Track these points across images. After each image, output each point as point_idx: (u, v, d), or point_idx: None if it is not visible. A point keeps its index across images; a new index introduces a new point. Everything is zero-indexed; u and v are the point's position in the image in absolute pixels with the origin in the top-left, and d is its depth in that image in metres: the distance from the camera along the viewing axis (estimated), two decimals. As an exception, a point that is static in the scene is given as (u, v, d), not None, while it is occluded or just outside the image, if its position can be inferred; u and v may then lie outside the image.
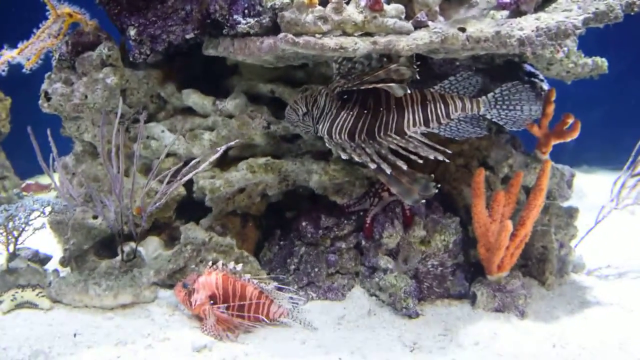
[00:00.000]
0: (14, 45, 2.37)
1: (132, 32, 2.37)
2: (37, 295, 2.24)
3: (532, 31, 2.00)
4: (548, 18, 2.12)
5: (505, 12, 2.40)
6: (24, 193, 4.02)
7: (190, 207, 2.59)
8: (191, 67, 2.67)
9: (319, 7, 2.07)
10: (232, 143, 2.29)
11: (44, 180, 4.37)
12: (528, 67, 2.74)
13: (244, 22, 2.18)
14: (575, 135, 2.49)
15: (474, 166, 2.50)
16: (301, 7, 2.06)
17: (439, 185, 2.13)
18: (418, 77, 2.10)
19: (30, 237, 2.52)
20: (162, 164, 2.46)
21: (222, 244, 2.36)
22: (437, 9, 2.45)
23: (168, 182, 2.27)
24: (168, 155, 2.47)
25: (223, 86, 2.65)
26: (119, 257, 2.36)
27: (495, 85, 2.62)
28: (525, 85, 2.23)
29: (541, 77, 2.73)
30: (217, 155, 2.24)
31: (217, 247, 2.36)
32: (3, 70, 2.34)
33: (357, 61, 2.15)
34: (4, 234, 2.44)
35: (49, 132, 2.15)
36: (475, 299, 2.29)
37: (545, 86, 2.70)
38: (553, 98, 2.51)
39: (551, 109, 2.51)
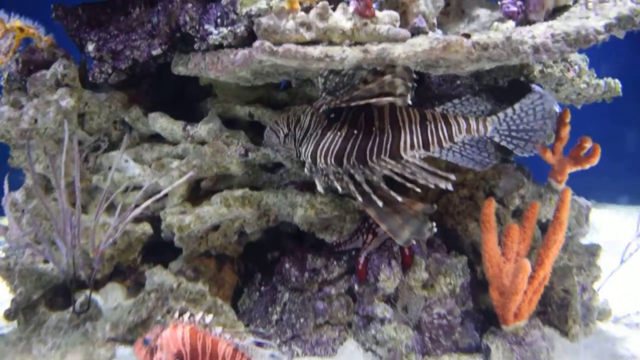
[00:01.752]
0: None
1: (90, 47, 2.08)
2: (-29, 355, 1.88)
3: (547, 38, 1.73)
4: (563, 25, 1.84)
5: (512, 23, 2.14)
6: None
7: (160, 249, 2.27)
8: (161, 89, 2.38)
9: (301, 13, 1.79)
10: (191, 173, 1.97)
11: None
12: (536, 88, 2.47)
13: (215, 32, 1.89)
14: (595, 161, 2.19)
15: (480, 198, 2.19)
16: (280, 12, 1.78)
17: (438, 225, 1.81)
18: (415, 84, 1.81)
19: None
20: (126, 199, 2.14)
21: (192, 291, 2.02)
22: (434, 21, 2.18)
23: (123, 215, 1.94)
24: (133, 188, 2.15)
25: (196, 110, 2.36)
26: (71, 309, 2.01)
27: (501, 107, 2.35)
28: (539, 99, 1.94)
29: (552, 98, 2.46)
30: (176, 184, 1.92)
31: (187, 294, 2.01)
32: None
33: (345, 74, 1.86)
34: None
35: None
36: (489, 353, 1.93)
37: (557, 108, 2.42)
38: (568, 119, 2.23)
39: (566, 131, 2.23)
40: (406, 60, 1.66)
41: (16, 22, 2.15)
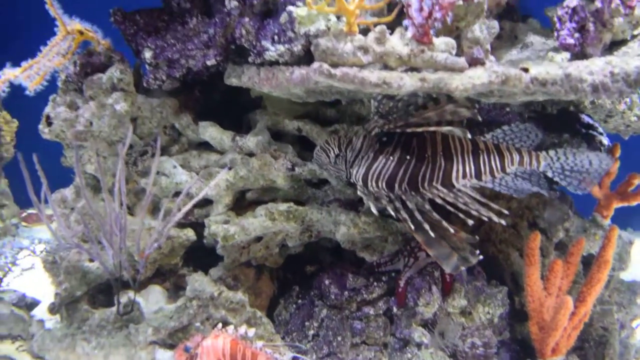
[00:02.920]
0: (17, 63, 2.14)
1: (147, 54, 2.12)
2: (16, 349, 1.95)
3: (606, 76, 1.71)
4: (621, 62, 1.82)
5: (567, 55, 2.12)
6: (24, 224, 3.77)
7: (200, 252, 2.31)
8: (211, 97, 2.41)
9: (359, 36, 1.81)
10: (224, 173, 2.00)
11: (47, 210, 4.11)
12: (585, 118, 2.45)
13: (272, 49, 1.91)
14: (643, 199, 2.17)
15: (523, 227, 2.19)
16: (339, 35, 1.79)
17: (480, 253, 1.81)
18: (480, 119, 1.82)
19: (17, 279, 2.24)
20: (171, 204, 2.19)
21: (232, 301, 2.05)
22: (488, 47, 2.17)
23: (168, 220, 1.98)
24: (179, 194, 2.20)
25: (245, 120, 2.39)
26: (114, 309, 2.06)
27: (549, 136, 2.33)
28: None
29: (600, 129, 2.43)
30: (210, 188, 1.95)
31: (227, 303, 2.05)
32: (3, 91, 2.10)
33: (400, 99, 1.87)
34: (-13, 273, 2.17)
35: (35, 159, 1.88)
36: (523, 385, 1.94)
37: (605, 140, 2.40)
38: (618, 154, 2.21)
39: (614, 167, 2.20)
40: (464, 92, 1.66)
41: (76, 25, 2.20)
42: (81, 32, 2.21)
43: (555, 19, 2.14)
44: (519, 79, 1.68)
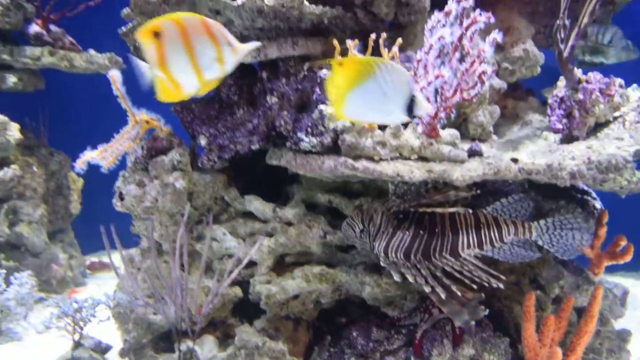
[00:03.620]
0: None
1: (202, 141, 2.55)
2: (95, 388, 2.36)
3: (584, 162, 2.05)
4: (600, 147, 2.17)
5: (559, 136, 2.47)
6: (89, 271, 4.23)
7: (245, 304, 2.69)
8: (255, 171, 2.83)
9: (378, 132, 2.20)
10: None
11: (107, 257, 4.58)
12: (580, 185, 2.78)
13: (306, 140, 2.32)
14: (628, 258, 2.48)
15: (525, 284, 2.53)
16: (361, 131, 2.19)
17: (486, 308, 2.16)
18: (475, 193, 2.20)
19: (95, 327, 2.66)
20: (222, 265, 2.59)
21: (274, 350, 2.43)
22: (491, 129, 2.56)
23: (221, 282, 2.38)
24: (227, 256, 2.61)
25: (284, 191, 2.80)
26: (175, 356, 2.46)
27: (547, 202, 2.67)
28: (576, 214, 2.27)
29: (594, 195, 2.76)
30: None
31: (270, 352, 2.43)
32: (82, 169, 2.54)
33: (412, 184, 2.25)
34: (72, 324, 2.59)
35: (113, 230, 2.30)
36: None
37: (598, 205, 2.72)
38: (605, 220, 2.53)
39: (603, 231, 2.53)
40: (462, 182, 2.04)
41: (143, 115, 2.64)
42: (147, 122, 2.66)
43: (548, 105, 2.51)
44: (509, 169, 2.05)
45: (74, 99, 4.89)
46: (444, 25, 2.10)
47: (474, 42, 2.12)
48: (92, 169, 3.14)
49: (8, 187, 3.38)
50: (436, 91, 2.12)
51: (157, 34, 1.60)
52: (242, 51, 1.70)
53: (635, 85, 2.73)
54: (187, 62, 1.65)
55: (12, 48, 3.71)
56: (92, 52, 3.88)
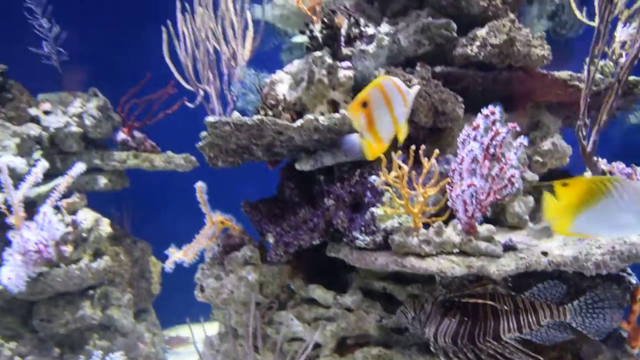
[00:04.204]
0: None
1: (270, 239, 2.94)
2: None
3: (609, 252, 2.31)
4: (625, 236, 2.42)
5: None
6: (167, 346, 4.64)
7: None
8: (316, 260, 3.19)
9: (423, 230, 2.53)
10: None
11: (183, 332, 5.00)
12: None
13: (361, 238, 2.66)
14: (666, 333, 2.68)
15: (567, 359, 2.74)
16: (408, 230, 2.52)
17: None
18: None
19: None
20: (291, 347, 2.93)
21: None
22: (526, 217, 2.84)
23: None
24: (294, 339, 2.94)
25: (343, 277, 3.13)
26: None
27: (584, 280, 2.89)
28: (607, 294, 2.50)
29: (629, 270, 2.96)
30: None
31: None
32: (171, 268, 2.96)
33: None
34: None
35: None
36: None
37: (634, 280, 2.92)
38: (639, 296, 2.74)
39: (637, 306, 2.73)
40: (498, 276, 2.33)
41: (219, 216, 3.07)
42: (222, 222, 3.08)
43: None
44: (539, 263, 2.32)
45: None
46: (474, 138, 2.43)
47: (504, 146, 2.45)
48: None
49: (101, 276, 3.85)
50: (471, 195, 2.44)
51: (364, 104, 2.05)
52: (413, 95, 2.17)
53: (660, 170, 2.98)
54: (389, 117, 2.09)
55: (102, 153, 4.30)
56: (169, 153, 4.43)
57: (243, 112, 3.08)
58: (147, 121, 4.44)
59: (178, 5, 3.15)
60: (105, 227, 3.99)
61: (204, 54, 3.20)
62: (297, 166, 2.89)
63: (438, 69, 2.94)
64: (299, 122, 2.65)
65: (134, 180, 4.58)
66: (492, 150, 2.41)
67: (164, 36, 3.14)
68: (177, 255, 2.98)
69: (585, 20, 3.39)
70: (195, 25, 3.19)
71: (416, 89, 2.24)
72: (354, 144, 2.11)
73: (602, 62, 3.16)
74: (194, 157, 4.46)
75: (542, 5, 3.28)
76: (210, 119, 2.67)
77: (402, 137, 2.16)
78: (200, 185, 2.87)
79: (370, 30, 3.02)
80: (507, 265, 2.34)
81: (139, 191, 4.70)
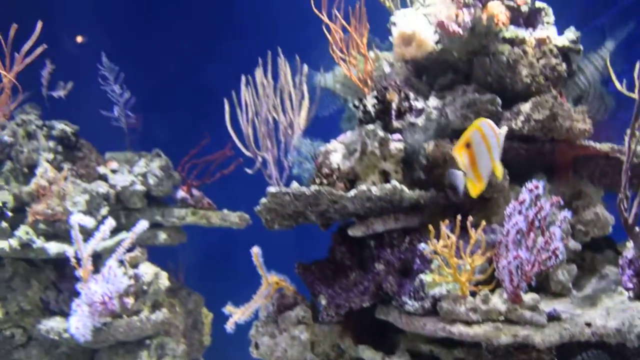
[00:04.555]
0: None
1: (323, 301, 3.10)
2: None
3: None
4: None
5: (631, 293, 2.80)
6: (218, 397, 4.81)
7: None
8: (363, 319, 3.33)
9: (470, 298, 2.66)
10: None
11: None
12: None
13: (410, 303, 2.80)
14: None
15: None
16: (456, 298, 2.66)
17: None
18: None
19: None
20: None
21: None
22: (569, 285, 2.95)
23: None
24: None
25: (390, 338, 3.26)
26: None
27: (626, 348, 2.95)
28: None
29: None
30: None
31: None
32: (232, 329, 3.15)
33: (501, 344, 2.66)
34: None
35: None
36: None
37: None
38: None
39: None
40: (542, 346, 2.43)
41: (273, 277, 3.26)
42: (277, 283, 3.28)
43: (619, 265, 2.87)
44: (582, 334, 2.43)
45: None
46: (519, 212, 2.58)
47: (547, 220, 2.58)
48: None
49: (159, 327, 4.08)
50: (517, 266, 2.57)
51: (468, 145, 2.30)
52: (504, 135, 2.47)
53: None
54: (488, 157, 2.34)
55: (163, 210, 4.59)
56: (225, 211, 4.70)
57: (298, 179, 3.30)
58: (206, 181, 4.72)
59: (243, 79, 3.43)
60: (164, 280, 4.23)
61: (264, 123, 3.46)
62: (350, 232, 3.07)
63: (484, 141, 3.11)
64: (352, 192, 2.85)
65: (190, 235, 4.85)
66: (537, 224, 2.55)
67: (227, 107, 3.41)
68: (237, 315, 3.17)
69: (625, 91, 3.51)
70: (257, 96, 3.45)
71: (505, 129, 2.52)
72: (458, 180, 2.39)
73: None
74: (248, 215, 4.71)
75: (564, 89, 3.43)
76: (272, 189, 2.90)
77: (500, 175, 2.48)
78: (256, 252, 3.08)
79: (420, 104, 3.24)
80: (551, 335, 2.45)
81: (193, 245, 4.96)
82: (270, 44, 3.53)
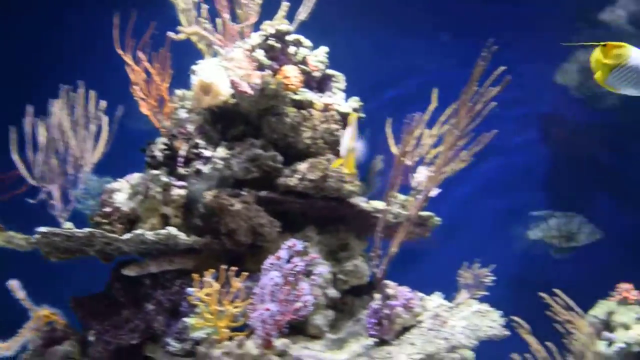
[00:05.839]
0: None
1: (91, 337, 3.15)
2: None
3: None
4: (397, 353, 2.94)
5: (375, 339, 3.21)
6: None
7: None
8: (136, 355, 3.42)
9: (226, 343, 2.88)
10: None
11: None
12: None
13: (173, 344, 2.98)
14: None
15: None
16: (213, 342, 2.87)
17: None
18: None
19: None
20: None
21: None
22: (325, 329, 3.30)
23: None
24: None
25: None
26: None
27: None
28: None
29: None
30: None
31: None
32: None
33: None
34: None
35: None
36: None
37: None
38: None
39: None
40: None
41: (44, 310, 3.24)
42: (47, 316, 3.26)
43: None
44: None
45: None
46: (277, 267, 2.86)
47: (302, 274, 2.89)
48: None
49: None
50: (269, 315, 2.84)
51: None
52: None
53: (438, 293, 3.59)
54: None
55: None
56: (11, 232, 4.51)
57: (81, 214, 3.34)
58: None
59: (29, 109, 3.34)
60: None
61: (53, 154, 3.42)
62: (124, 272, 3.16)
63: (263, 193, 3.37)
64: (127, 236, 2.96)
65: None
66: (291, 279, 2.85)
67: (12, 136, 3.29)
68: (2, 349, 3.10)
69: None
70: (50, 125, 3.39)
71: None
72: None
73: (403, 197, 3.75)
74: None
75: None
76: (41, 229, 2.91)
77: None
78: (13, 284, 3.06)
79: (208, 152, 3.43)
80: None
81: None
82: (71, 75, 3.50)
